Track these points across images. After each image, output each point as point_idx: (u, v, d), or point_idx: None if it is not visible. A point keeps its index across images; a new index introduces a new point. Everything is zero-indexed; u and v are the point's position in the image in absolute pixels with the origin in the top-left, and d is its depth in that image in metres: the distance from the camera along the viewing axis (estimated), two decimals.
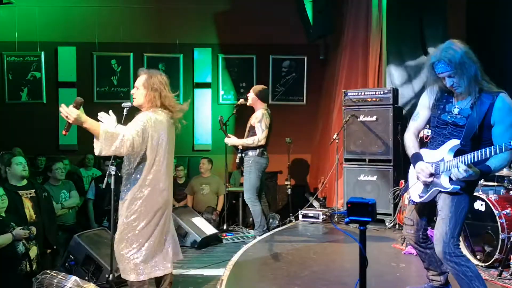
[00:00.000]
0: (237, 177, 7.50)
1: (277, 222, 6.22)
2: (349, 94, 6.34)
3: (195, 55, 8.17)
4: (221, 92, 8.20)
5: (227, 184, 6.58)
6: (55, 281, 2.85)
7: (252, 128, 5.45)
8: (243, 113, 6.07)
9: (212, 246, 5.32)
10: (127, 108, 3.81)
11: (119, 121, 3.35)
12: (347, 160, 6.33)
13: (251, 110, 5.72)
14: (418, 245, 3.15)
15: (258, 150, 5.41)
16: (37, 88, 7.97)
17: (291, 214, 6.37)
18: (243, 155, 5.51)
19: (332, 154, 6.50)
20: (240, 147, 5.53)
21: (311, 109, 8.04)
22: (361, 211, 1.75)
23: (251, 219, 6.92)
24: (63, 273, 2.98)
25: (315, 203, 6.96)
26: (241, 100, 6.04)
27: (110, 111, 3.16)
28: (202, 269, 4.35)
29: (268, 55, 8.12)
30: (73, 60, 7.96)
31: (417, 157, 2.99)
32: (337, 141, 6.10)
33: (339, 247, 5.04)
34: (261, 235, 5.44)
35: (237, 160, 5.60)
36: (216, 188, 6.81)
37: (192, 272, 4.27)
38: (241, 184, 7.28)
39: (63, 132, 2.99)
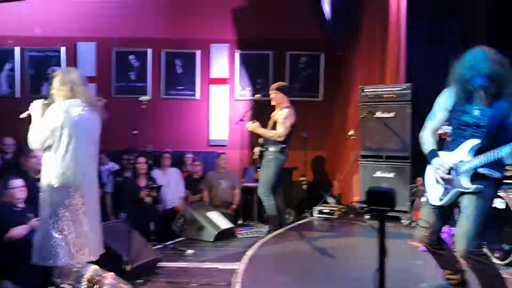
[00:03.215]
0: (251, 172, 7.52)
1: (292, 218, 6.22)
2: (366, 90, 6.30)
3: (212, 51, 8.20)
4: (238, 88, 8.21)
5: (242, 180, 6.60)
6: (75, 269, 2.92)
7: (276, 124, 5.47)
8: (259, 109, 6.08)
9: (227, 240, 5.35)
10: (145, 102, 3.89)
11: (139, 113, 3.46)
12: (363, 156, 6.29)
13: (268, 106, 5.75)
14: (432, 247, 3.10)
15: (279, 146, 5.43)
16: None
17: (306, 210, 6.37)
18: (263, 149, 5.52)
19: (348, 151, 6.48)
20: (261, 140, 5.54)
21: (327, 105, 8.01)
22: (381, 200, 1.74)
23: (266, 214, 6.95)
24: (84, 262, 3.03)
25: (330, 200, 6.94)
26: (258, 96, 6.07)
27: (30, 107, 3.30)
28: (217, 262, 4.38)
29: (284, 51, 8.11)
30: (92, 55, 8.05)
31: (434, 154, 2.95)
32: (353, 137, 6.08)
33: (354, 243, 5.03)
34: (275, 230, 5.45)
35: (256, 153, 5.60)
36: (232, 182, 6.84)
37: (208, 265, 4.30)
38: (256, 180, 7.31)
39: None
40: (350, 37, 7.57)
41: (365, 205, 1.66)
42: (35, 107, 3.27)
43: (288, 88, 5.71)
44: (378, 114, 6.15)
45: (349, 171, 6.29)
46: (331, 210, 6.21)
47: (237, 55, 8.15)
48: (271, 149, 5.45)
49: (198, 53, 8.15)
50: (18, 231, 4.07)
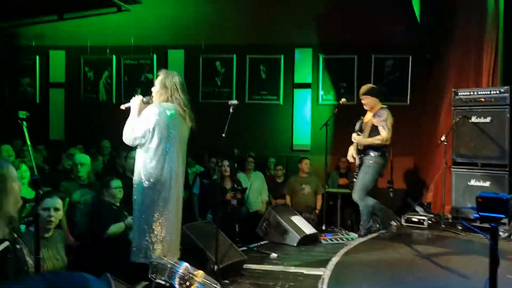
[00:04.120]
0: (335, 178, 7.41)
1: (377, 225, 6.02)
2: (459, 93, 5.97)
3: (295, 55, 8.22)
4: (321, 93, 8.15)
5: (325, 185, 6.53)
6: (169, 266, 3.05)
7: (375, 127, 5.36)
8: (344, 114, 5.99)
9: (311, 246, 5.28)
10: (234, 106, 3.98)
11: (225, 118, 3.57)
12: (456, 163, 5.95)
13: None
14: None
15: (380, 151, 5.35)
16: (149, 89, 8.52)
17: None
18: (362, 155, 5.45)
19: (439, 157, 6.16)
20: (361, 146, 5.47)
21: (415, 110, 7.68)
22: (494, 206, 1.62)
23: (349, 221, 6.80)
24: (176, 259, 3.17)
25: (418, 208, 6.64)
26: (343, 100, 5.98)
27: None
28: (302, 267, 4.35)
29: (370, 54, 7.91)
30: (181, 62, 8.42)
31: None
32: (445, 143, 5.77)
33: (446, 255, 4.76)
34: (365, 235, 5.33)
35: (356, 160, 5.53)
36: (315, 187, 6.79)
37: (292, 269, 4.29)
38: (339, 186, 7.20)
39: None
40: (441, 39, 7.21)
41: (475, 212, 1.53)
42: (135, 102, 3.47)
43: (377, 90, 5.56)
44: (473, 119, 5.80)
45: (440, 179, 5.97)
46: (420, 219, 5.94)
47: (320, 59, 8.10)
48: (372, 154, 5.37)
49: (282, 58, 8.21)
50: (116, 228, 4.33)
